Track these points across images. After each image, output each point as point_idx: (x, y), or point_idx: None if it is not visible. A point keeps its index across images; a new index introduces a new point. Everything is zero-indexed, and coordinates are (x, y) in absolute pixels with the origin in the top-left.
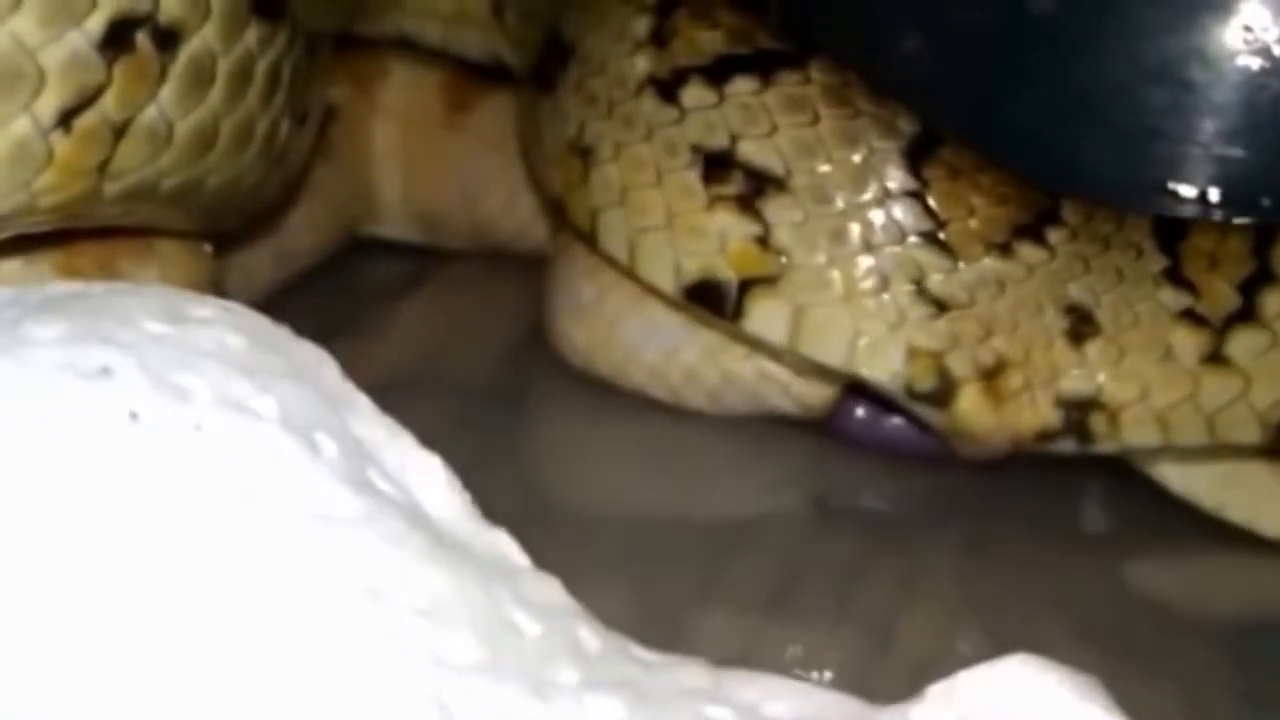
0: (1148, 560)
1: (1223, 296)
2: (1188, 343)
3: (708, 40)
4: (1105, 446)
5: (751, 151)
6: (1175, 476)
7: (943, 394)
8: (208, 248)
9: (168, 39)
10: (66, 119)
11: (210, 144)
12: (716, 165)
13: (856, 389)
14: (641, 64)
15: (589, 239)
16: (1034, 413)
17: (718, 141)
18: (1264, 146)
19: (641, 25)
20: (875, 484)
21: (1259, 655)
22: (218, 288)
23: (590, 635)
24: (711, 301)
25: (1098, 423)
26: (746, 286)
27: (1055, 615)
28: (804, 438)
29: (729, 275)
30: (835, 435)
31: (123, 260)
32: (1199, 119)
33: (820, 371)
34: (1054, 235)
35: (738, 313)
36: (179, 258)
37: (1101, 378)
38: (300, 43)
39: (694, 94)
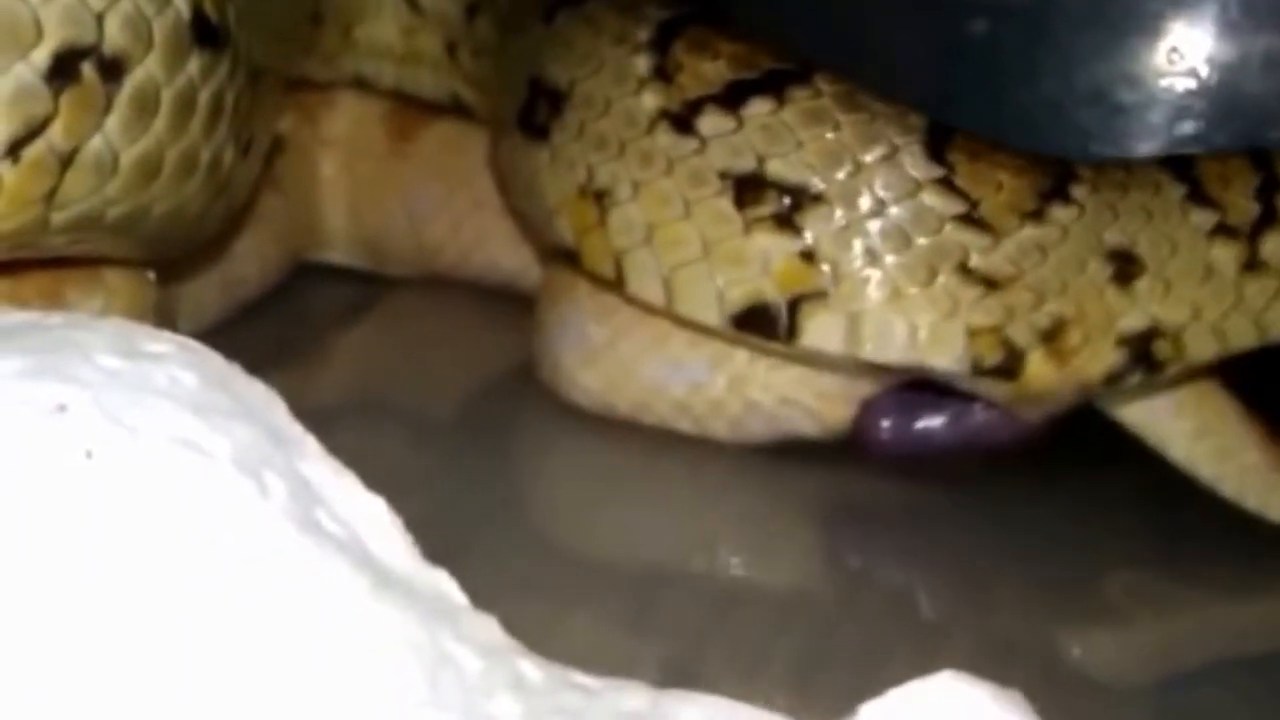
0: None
1: (1244, 207)
2: (1226, 256)
3: (713, 70)
4: (1171, 370)
5: (781, 169)
6: (1150, 430)
7: (1010, 365)
8: (151, 276)
9: (113, 69)
10: (14, 149)
11: (155, 173)
12: (748, 187)
13: (873, 402)
14: (650, 100)
15: (615, 283)
16: (1098, 360)
17: (745, 164)
18: None
19: (641, 63)
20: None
21: None
22: (163, 315)
23: (531, 669)
24: (762, 326)
25: (1161, 349)
26: (796, 304)
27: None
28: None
29: (777, 297)
30: (864, 452)
31: (69, 289)
32: (1130, 139)
33: (841, 392)
34: (1078, 191)
35: (791, 332)
36: (124, 287)
37: (1155, 310)
38: (243, 73)
39: (711, 122)
